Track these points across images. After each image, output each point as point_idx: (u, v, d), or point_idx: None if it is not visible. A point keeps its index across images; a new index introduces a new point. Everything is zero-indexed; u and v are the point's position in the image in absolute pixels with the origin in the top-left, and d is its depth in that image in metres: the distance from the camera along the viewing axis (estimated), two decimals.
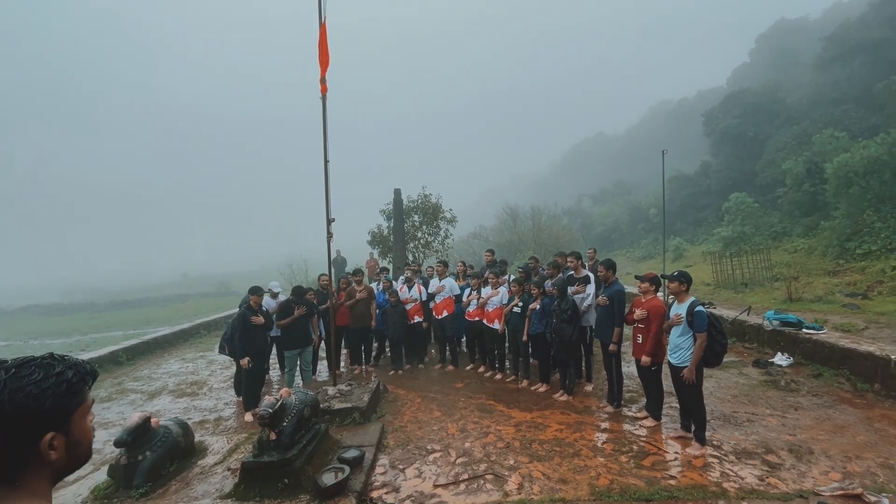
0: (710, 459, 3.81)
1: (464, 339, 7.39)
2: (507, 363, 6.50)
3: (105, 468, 4.10)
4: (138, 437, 3.94)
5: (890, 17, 18.80)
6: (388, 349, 7.43)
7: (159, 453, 4.00)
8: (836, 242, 11.79)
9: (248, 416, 5.38)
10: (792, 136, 17.89)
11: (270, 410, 3.58)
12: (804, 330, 6.31)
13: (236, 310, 5.68)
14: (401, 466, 4.00)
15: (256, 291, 5.65)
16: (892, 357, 4.91)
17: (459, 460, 4.04)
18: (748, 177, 19.39)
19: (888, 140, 11.52)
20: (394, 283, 7.52)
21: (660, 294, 4.67)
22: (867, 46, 18.13)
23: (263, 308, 5.93)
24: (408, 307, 6.94)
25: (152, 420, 4.17)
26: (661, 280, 4.55)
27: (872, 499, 3.10)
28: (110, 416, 5.87)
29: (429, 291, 7.13)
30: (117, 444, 3.85)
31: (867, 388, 5.09)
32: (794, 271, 11.36)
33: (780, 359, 6.22)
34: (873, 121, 16.01)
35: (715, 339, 3.93)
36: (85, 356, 8.16)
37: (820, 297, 9.07)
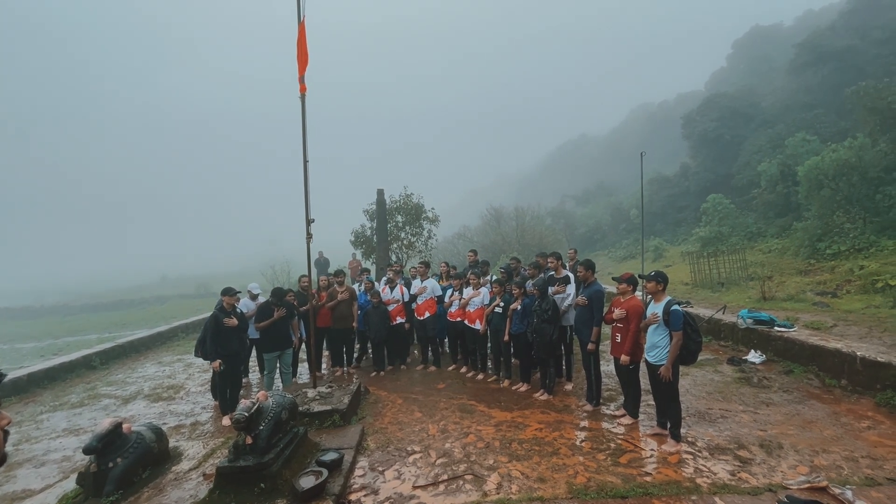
0: (685, 456, 3.89)
1: (446, 340, 7.39)
2: (488, 363, 6.53)
3: (74, 476, 3.98)
4: (109, 443, 3.83)
5: (858, 26, 19.55)
6: (369, 350, 7.38)
7: (131, 460, 3.89)
8: (807, 243, 12.18)
9: (226, 421, 5.27)
10: (766, 140, 18.43)
11: (246, 414, 3.52)
12: (776, 328, 6.50)
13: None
14: (380, 468, 3.98)
15: (229, 293, 5.51)
16: (859, 354, 5.09)
17: (439, 461, 4.04)
18: (725, 178, 19.89)
19: (856, 144, 11.96)
20: (376, 283, 7.48)
21: (638, 294, 4.75)
22: (837, 53, 18.80)
23: (241, 310, 5.82)
24: (390, 308, 6.91)
25: (124, 426, 4.06)
26: (638, 280, 4.63)
27: (836, 491, 3.21)
28: (82, 422, 5.70)
29: (411, 292, 7.12)
30: (86, 451, 3.73)
31: (835, 383, 5.26)
32: (767, 271, 11.70)
33: (754, 356, 6.38)
34: (843, 125, 16.60)
35: (690, 337, 4.02)
36: (57, 360, 7.91)
37: (792, 295, 9.35)
